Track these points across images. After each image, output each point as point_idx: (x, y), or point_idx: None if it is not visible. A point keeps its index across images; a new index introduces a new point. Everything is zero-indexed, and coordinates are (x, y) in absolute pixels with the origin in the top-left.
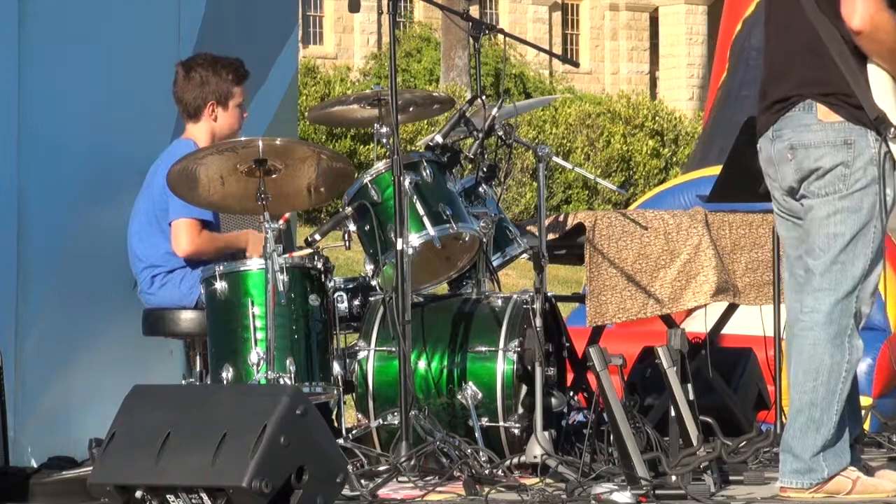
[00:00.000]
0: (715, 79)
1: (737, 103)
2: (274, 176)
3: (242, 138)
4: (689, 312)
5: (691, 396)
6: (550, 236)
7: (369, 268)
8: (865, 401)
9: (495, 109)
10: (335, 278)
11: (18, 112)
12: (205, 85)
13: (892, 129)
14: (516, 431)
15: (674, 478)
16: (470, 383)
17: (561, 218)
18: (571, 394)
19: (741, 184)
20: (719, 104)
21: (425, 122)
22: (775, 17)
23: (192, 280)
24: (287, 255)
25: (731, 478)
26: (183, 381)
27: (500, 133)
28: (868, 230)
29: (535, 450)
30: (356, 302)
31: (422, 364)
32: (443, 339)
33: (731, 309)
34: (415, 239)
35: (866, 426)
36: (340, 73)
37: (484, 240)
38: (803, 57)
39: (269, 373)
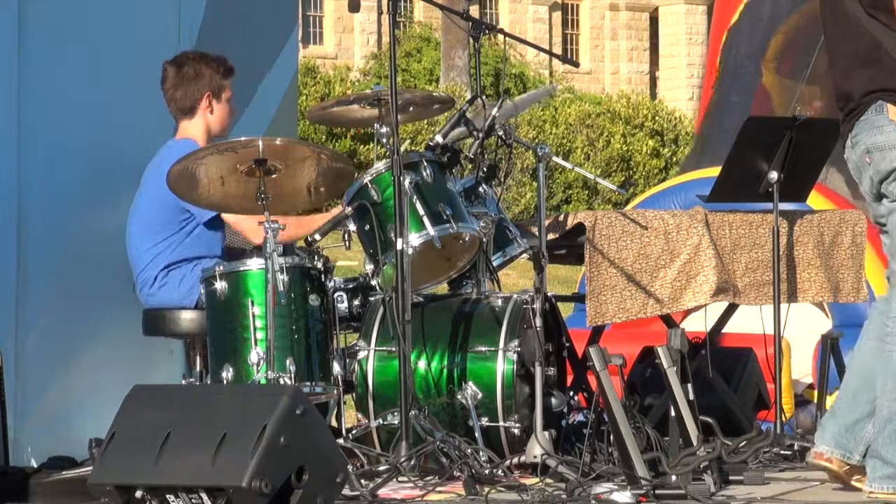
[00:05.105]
0: (707, 84)
1: (726, 109)
2: (274, 176)
3: (242, 138)
4: (689, 312)
5: (691, 396)
6: (550, 236)
7: (369, 268)
8: None
9: (495, 109)
10: (335, 278)
11: (18, 112)
12: (199, 77)
13: None
14: (516, 431)
15: (674, 478)
16: (470, 383)
17: (561, 218)
18: (571, 394)
19: (741, 183)
20: (711, 110)
21: (425, 122)
22: (831, 27)
23: (192, 280)
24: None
25: (731, 478)
26: (183, 381)
27: (500, 133)
28: None
29: (535, 450)
30: (356, 302)
31: (422, 364)
32: (443, 339)
33: (731, 309)
34: (415, 239)
35: None
36: (340, 73)
37: (484, 240)
38: (865, 63)
39: (269, 373)
